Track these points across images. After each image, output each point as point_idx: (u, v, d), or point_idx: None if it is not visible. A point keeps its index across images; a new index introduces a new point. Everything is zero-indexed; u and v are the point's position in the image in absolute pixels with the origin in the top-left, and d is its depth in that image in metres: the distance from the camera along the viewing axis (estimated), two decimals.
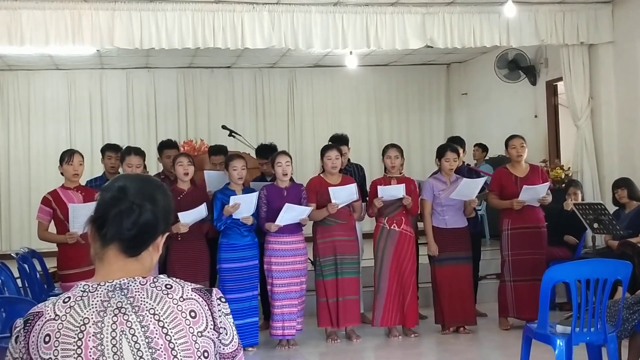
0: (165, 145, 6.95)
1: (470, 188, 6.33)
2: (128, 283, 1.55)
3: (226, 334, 1.60)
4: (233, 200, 5.87)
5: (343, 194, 6.15)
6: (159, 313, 1.52)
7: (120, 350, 1.48)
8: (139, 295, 1.54)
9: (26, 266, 6.33)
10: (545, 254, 6.57)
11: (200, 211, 5.80)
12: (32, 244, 8.79)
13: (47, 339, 1.49)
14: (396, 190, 6.25)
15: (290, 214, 5.93)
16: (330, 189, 6.09)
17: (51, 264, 7.12)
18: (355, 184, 6.35)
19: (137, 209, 1.56)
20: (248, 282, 6.02)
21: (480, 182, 6.43)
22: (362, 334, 6.39)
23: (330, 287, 6.22)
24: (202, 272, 5.93)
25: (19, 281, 6.19)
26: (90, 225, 1.60)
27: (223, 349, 1.59)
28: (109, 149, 6.85)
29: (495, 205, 6.65)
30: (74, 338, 1.48)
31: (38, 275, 6.50)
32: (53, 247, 5.79)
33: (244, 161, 6.13)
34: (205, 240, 6.10)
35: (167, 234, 1.65)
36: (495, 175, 6.79)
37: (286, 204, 5.89)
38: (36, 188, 11.08)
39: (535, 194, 6.37)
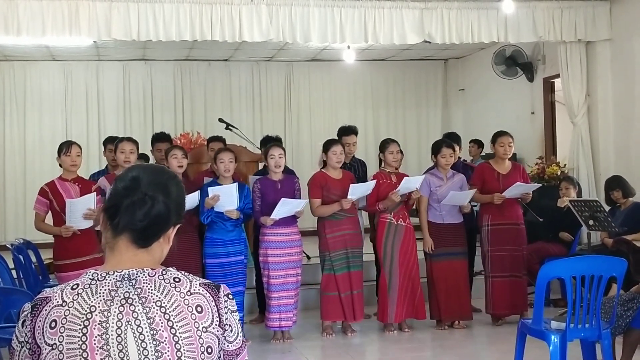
0: (157, 139, 6.93)
1: (459, 198, 6.39)
2: (137, 274, 1.55)
3: (231, 331, 1.60)
4: (212, 191, 5.84)
5: (360, 191, 6.17)
6: (166, 306, 1.53)
7: (125, 340, 1.49)
8: (147, 286, 1.54)
9: (21, 257, 6.32)
10: (524, 250, 6.59)
11: (194, 197, 5.78)
12: (27, 235, 8.79)
13: (53, 324, 1.49)
14: (414, 182, 6.26)
15: (286, 207, 5.93)
16: (351, 185, 6.11)
17: (46, 255, 7.12)
18: (374, 182, 6.32)
19: (149, 201, 1.56)
20: (234, 277, 5.96)
21: (469, 194, 6.44)
22: (357, 328, 6.40)
23: (343, 281, 6.22)
24: (193, 264, 5.88)
25: (14, 272, 6.18)
26: (102, 214, 1.60)
27: (227, 346, 1.59)
28: (110, 141, 6.83)
29: (476, 199, 6.68)
30: (80, 325, 1.49)
31: (33, 267, 6.50)
32: (48, 239, 5.79)
33: (232, 154, 6.08)
34: (197, 233, 6.08)
35: (178, 225, 1.65)
36: (477, 170, 6.81)
37: (282, 199, 5.88)
38: (31, 179, 11.06)
39: (524, 190, 6.43)
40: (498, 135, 6.67)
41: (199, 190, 5.87)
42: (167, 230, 1.61)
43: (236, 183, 6.00)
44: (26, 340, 1.52)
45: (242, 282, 6.07)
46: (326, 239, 6.26)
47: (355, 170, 6.94)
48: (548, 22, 8.22)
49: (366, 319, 6.66)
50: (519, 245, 6.52)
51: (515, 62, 10.07)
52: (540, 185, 6.57)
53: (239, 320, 1.63)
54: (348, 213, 6.26)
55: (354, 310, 6.26)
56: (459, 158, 7.28)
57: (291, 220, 6.13)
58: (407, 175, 6.54)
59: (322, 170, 6.37)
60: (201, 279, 1.61)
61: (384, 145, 6.53)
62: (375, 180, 6.32)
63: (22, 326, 1.53)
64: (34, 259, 6.67)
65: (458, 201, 6.42)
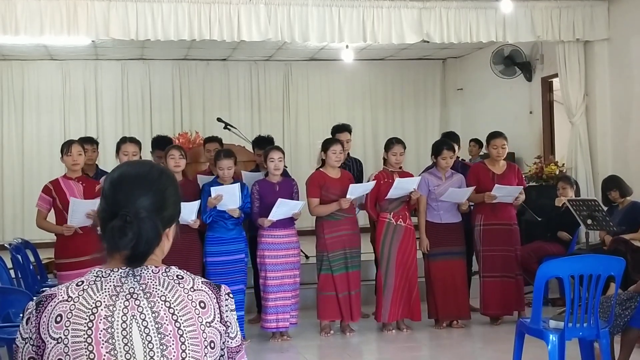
0: (158, 146, 6.91)
1: (458, 195, 6.40)
2: (141, 270, 1.57)
3: (231, 329, 1.63)
4: (214, 191, 5.84)
5: (359, 191, 6.17)
6: (170, 300, 1.56)
7: (130, 334, 1.51)
8: (152, 282, 1.57)
9: (19, 257, 6.32)
10: (517, 251, 6.59)
11: (193, 206, 5.75)
12: (26, 234, 8.78)
13: (58, 318, 1.51)
14: (408, 184, 6.25)
15: (283, 208, 5.93)
16: (351, 185, 6.10)
17: (45, 255, 7.12)
18: (374, 182, 6.33)
19: (129, 231, 1.53)
20: (234, 275, 5.97)
21: (467, 191, 6.45)
22: (355, 328, 6.40)
23: (341, 282, 6.21)
24: (193, 264, 5.84)
25: (12, 272, 6.18)
26: (99, 220, 1.61)
27: (230, 342, 1.63)
28: (84, 142, 6.81)
29: (470, 198, 6.70)
30: (85, 319, 1.51)
31: (31, 266, 6.50)
32: (47, 239, 5.79)
33: (232, 161, 6.04)
34: (197, 232, 6.07)
35: (174, 224, 1.64)
36: (472, 170, 6.83)
37: (279, 199, 5.88)
38: (29, 179, 11.06)
39: (508, 193, 6.43)
40: (491, 137, 6.69)
41: (198, 201, 5.83)
42: (158, 244, 1.60)
43: (238, 183, 6.01)
44: (30, 336, 1.53)
45: (242, 280, 6.08)
46: (324, 239, 6.24)
47: (351, 169, 6.92)
48: (546, 21, 8.22)
49: (365, 319, 6.66)
50: (511, 246, 6.52)
51: (514, 62, 10.07)
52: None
53: (237, 319, 1.66)
54: (346, 213, 6.25)
55: (351, 311, 6.25)
56: (457, 157, 7.27)
57: (289, 222, 6.13)
58: (412, 175, 6.52)
59: (321, 169, 6.36)
60: (202, 278, 1.64)
61: (388, 145, 6.50)
62: (375, 182, 6.31)
63: (27, 324, 1.55)
64: (32, 258, 6.66)
65: (456, 198, 6.41)
